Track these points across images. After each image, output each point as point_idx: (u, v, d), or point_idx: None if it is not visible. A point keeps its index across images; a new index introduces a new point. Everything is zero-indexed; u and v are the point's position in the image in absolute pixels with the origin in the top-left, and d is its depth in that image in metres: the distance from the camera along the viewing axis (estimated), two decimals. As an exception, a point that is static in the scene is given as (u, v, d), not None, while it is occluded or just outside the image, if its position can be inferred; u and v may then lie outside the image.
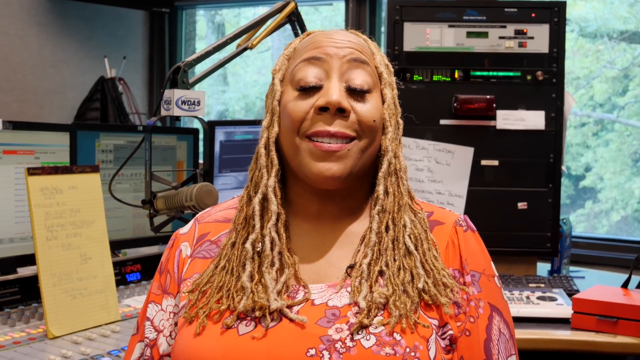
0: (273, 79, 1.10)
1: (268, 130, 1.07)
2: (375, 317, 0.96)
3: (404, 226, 1.04)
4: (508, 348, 1.06)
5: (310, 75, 1.04)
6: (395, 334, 0.95)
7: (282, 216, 1.05)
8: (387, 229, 1.04)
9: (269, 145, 1.06)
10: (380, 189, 1.05)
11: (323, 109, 1.02)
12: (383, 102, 1.07)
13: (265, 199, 1.05)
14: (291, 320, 0.97)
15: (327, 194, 1.06)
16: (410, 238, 1.03)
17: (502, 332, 1.06)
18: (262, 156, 1.07)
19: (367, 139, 1.04)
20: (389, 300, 0.97)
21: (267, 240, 1.03)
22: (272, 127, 1.06)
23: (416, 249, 1.03)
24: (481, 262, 1.08)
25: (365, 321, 0.95)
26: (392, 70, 1.12)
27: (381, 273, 1.01)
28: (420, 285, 0.99)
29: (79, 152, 1.94)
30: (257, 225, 1.04)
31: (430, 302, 1.00)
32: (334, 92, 1.02)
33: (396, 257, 1.01)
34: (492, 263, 1.11)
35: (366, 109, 1.04)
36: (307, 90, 1.04)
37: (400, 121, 1.10)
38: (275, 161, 1.06)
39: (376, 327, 0.95)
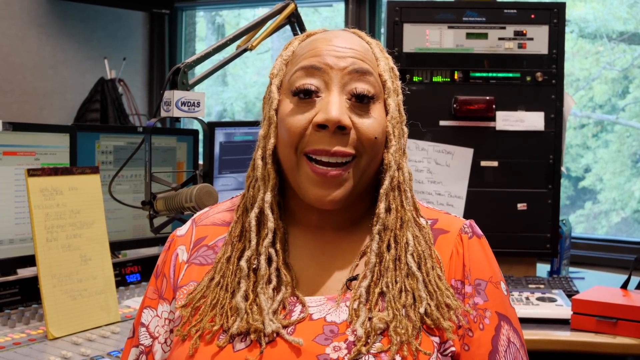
0: (271, 83, 1.05)
1: (265, 140, 1.03)
2: (374, 343, 0.92)
3: (407, 244, 0.99)
4: (519, 357, 1.03)
5: (308, 83, 0.99)
6: (395, 356, 0.91)
7: (280, 231, 1.03)
8: (388, 247, 0.99)
9: (265, 156, 1.02)
10: (381, 206, 1.00)
11: (322, 126, 0.97)
12: (387, 112, 1.02)
13: (262, 213, 1.02)
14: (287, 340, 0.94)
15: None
16: (413, 257, 0.99)
17: (511, 341, 1.02)
18: (259, 168, 1.03)
19: (368, 156, 0.99)
20: (390, 326, 0.93)
21: (263, 258, 0.99)
22: (269, 139, 1.02)
23: (419, 268, 0.99)
24: (486, 270, 1.04)
25: (363, 349, 0.91)
26: (397, 73, 1.07)
27: (382, 294, 0.97)
28: (422, 310, 0.95)
29: (79, 153, 1.94)
30: (253, 242, 1.00)
31: (432, 327, 0.96)
32: (334, 108, 0.96)
33: (398, 279, 0.97)
34: (498, 269, 1.07)
35: (367, 125, 0.99)
36: (305, 97, 0.99)
37: (405, 129, 1.06)
38: (273, 174, 1.02)
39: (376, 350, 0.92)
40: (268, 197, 1.02)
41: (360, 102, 1.00)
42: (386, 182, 1.01)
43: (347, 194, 0.99)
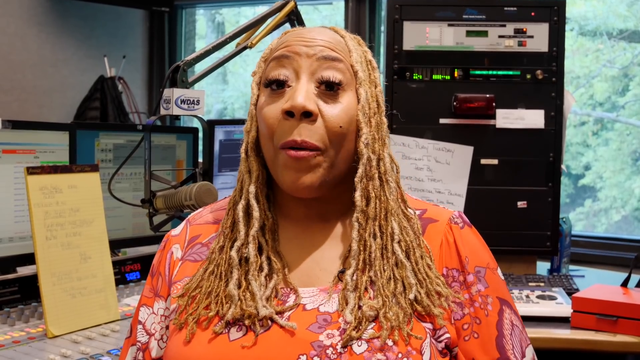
0: (253, 82, 1.08)
1: (248, 134, 1.06)
2: (365, 329, 0.93)
3: (392, 233, 1.00)
4: (523, 339, 1.05)
5: (278, 73, 1.02)
6: (387, 341, 0.93)
7: (269, 221, 1.05)
8: (374, 236, 1.00)
9: (247, 149, 1.06)
10: (357, 194, 1.00)
11: (289, 114, 0.98)
12: (358, 102, 1.02)
13: (249, 205, 1.04)
14: (281, 326, 0.96)
15: (312, 198, 1.03)
16: (400, 245, 1.00)
17: (514, 324, 1.04)
18: (243, 161, 1.06)
19: (334, 149, 1.00)
20: (379, 313, 0.95)
21: (251, 247, 1.01)
22: (251, 132, 1.05)
23: (407, 257, 1.00)
24: (484, 257, 1.06)
25: (354, 334, 0.93)
26: (375, 66, 1.08)
27: (371, 282, 0.98)
28: (411, 296, 0.97)
29: (78, 151, 1.94)
30: (242, 232, 1.02)
31: (423, 313, 0.97)
32: (300, 95, 0.98)
33: (385, 267, 0.99)
34: (492, 256, 1.09)
35: (334, 113, 0.99)
36: (277, 88, 1.01)
37: (384, 120, 1.06)
38: (255, 166, 1.05)
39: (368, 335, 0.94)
40: (252, 188, 1.04)
41: (330, 90, 1.01)
42: (360, 171, 1.01)
43: (318, 182, 1.00)
